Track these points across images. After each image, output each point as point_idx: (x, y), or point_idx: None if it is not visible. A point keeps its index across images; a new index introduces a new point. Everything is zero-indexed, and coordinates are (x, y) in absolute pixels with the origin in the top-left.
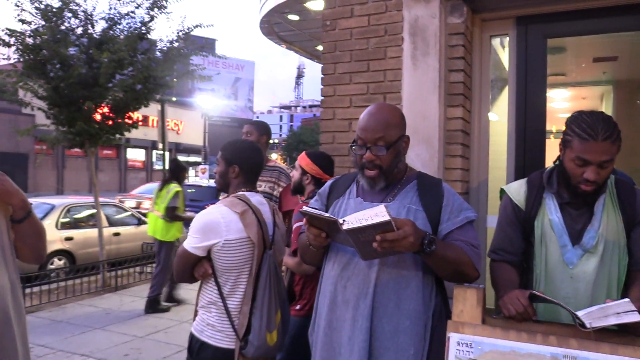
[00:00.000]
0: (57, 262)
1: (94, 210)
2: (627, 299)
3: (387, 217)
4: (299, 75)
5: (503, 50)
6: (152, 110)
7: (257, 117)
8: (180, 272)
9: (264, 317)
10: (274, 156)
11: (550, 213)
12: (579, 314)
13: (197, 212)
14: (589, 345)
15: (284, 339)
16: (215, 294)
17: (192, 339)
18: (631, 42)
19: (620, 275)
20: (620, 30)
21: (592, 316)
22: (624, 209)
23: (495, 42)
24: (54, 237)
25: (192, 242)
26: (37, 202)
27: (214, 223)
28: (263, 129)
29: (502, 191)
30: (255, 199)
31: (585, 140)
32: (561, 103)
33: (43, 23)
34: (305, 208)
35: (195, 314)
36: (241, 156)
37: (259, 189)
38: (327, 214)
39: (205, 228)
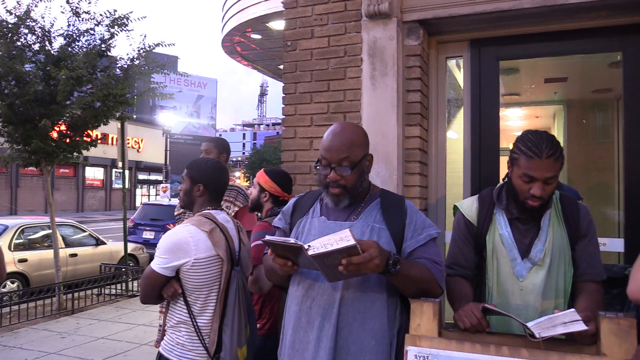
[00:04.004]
0: (10, 285)
1: (50, 231)
2: (572, 309)
3: (352, 242)
4: (262, 93)
5: (459, 71)
6: (112, 128)
7: (220, 135)
8: (148, 294)
9: (234, 333)
10: (237, 174)
11: (501, 228)
12: (529, 324)
13: (157, 231)
14: (538, 354)
15: (253, 353)
16: (184, 313)
17: (160, 358)
18: (580, 64)
19: (566, 287)
20: (568, 53)
21: (541, 326)
22: (569, 223)
23: (452, 63)
24: (7, 259)
25: (161, 263)
26: None
27: (183, 242)
28: (222, 146)
29: (455, 208)
30: (221, 216)
31: (531, 158)
32: (516, 121)
33: None
34: (268, 237)
35: (163, 334)
36: (206, 175)
37: None
38: (291, 240)
39: (174, 248)
